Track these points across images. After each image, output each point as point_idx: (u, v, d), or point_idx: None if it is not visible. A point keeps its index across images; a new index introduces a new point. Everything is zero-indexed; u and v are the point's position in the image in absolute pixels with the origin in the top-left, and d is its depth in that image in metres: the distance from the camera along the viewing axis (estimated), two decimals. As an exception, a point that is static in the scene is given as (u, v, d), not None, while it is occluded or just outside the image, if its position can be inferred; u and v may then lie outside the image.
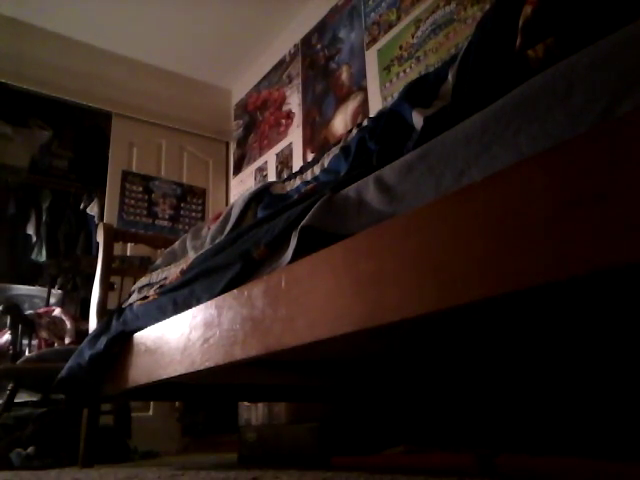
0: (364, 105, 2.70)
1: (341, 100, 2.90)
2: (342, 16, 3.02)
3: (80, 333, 2.59)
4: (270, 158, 3.48)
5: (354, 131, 1.25)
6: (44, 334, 2.63)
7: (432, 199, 0.67)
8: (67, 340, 2.63)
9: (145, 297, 1.40)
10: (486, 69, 0.77)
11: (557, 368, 1.33)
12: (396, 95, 1.06)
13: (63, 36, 3.42)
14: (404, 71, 2.46)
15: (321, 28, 3.20)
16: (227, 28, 3.45)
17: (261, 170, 3.56)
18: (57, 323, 2.69)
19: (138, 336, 1.31)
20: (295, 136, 3.26)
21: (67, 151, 4.02)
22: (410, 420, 1.75)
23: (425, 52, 2.36)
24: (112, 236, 2.07)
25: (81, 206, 3.87)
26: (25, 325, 2.52)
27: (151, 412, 3.07)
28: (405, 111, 0.94)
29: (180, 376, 1.09)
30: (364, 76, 2.74)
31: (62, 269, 3.19)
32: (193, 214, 3.71)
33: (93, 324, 1.87)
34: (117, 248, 2.29)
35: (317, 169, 1.26)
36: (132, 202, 3.47)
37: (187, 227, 3.51)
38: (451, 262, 0.58)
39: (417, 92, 0.96)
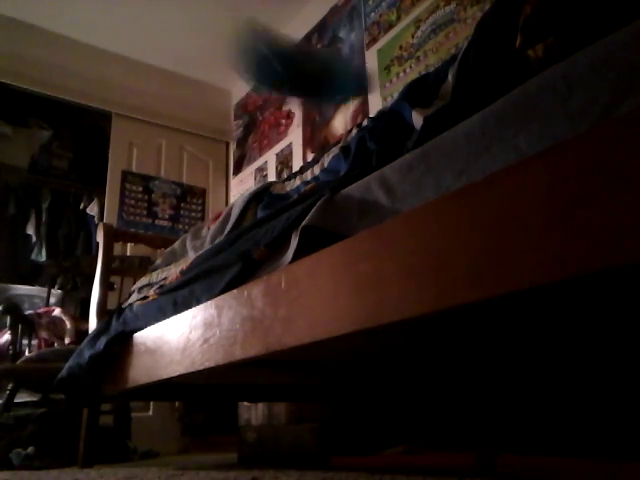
0: (364, 105, 2.70)
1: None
2: (342, 16, 3.02)
3: (80, 333, 2.59)
4: (270, 158, 3.48)
5: (354, 131, 1.25)
6: (44, 334, 2.64)
7: (432, 199, 0.67)
8: (67, 340, 2.63)
9: (145, 297, 1.40)
10: (486, 69, 0.77)
11: (557, 368, 1.33)
12: (396, 95, 1.06)
13: (63, 36, 3.42)
14: (404, 71, 2.46)
15: (321, 28, 3.20)
16: (227, 28, 3.44)
17: (261, 170, 3.56)
18: (57, 323, 2.69)
19: (138, 336, 1.31)
20: (295, 136, 3.26)
21: (67, 151, 4.02)
22: (410, 420, 1.75)
23: (425, 52, 2.36)
24: (112, 236, 2.07)
25: (81, 206, 3.87)
26: (25, 325, 2.52)
27: (151, 412, 3.06)
28: (405, 111, 0.94)
29: (180, 376, 1.09)
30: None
31: (62, 269, 3.20)
32: (193, 214, 3.71)
33: (93, 324, 1.87)
34: (117, 248, 2.29)
35: (317, 169, 1.25)
36: (132, 202, 3.47)
37: (187, 227, 3.51)
38: (450, 262, 0.58)
39: (417, 92, 0.96)
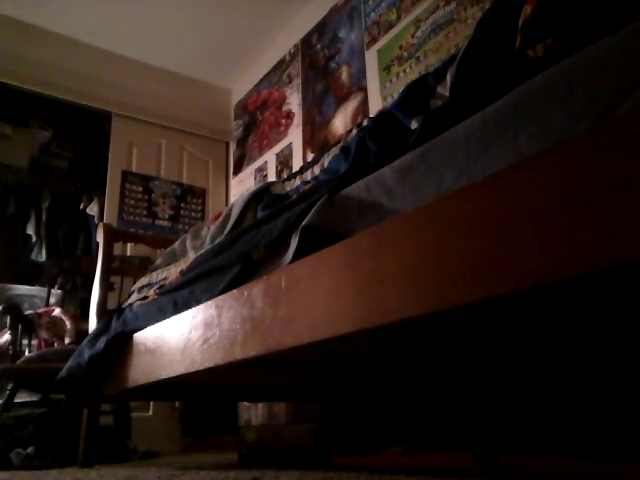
0: (364, 105, 2.70)
1: (341, 100, 2.90)
2: (342, 16, 3.02)
3: (80, 333, 2.59)
4: (270, 158, 3.48)
5: (354, 131, 1.25)
6: (44, 334, 2.64)
7: (432, 199, 0.67)
8: (67, 340, 2.63)
9: (145, 297, 1.40)
10: (485, 69, 0.76)
11: (557, 368, 1.33)
12: (396, 95, 1.06)
13: (63, 36, 3.42)
14: (404, 71, 2.46)
15: (321, 28, 3.20)
16: (227, 28, 3.45)
17: (261, 170, 3.56)
18: (57, 323, 2.69)
19: (138, 336, 1.31)
20: (295, 136, 3.26)
21: (67, 151, 4.02)
22: (410, 420, 1.75)
23: (425, 52, 2.36)
24: (112, 236, 2.07)
25: (81, 206, 3.87)
26: (25, 325, 2.52)
27: (151, 412, 3.07)
28: (404, 119, 0.94)
29: (180, 376, 1.09)
30: (364, 76, 2.74)
31: (62, 269, 3.20)
32: (193, 214, 3.71)
33: (93, 324, 1.87)
34: (117, 248, 2.29)
35: (317, 169, 1.25)
36: (132, 202, 3.47)
37: (187, 227, 3.51)
38: (451, 262, 0.58)
39: (413, 99, 0.96)
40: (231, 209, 1.33)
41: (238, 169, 3.86)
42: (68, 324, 2.69)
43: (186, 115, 3.78)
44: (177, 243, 1.57)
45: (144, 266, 2.22)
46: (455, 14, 2.24)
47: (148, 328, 1.27)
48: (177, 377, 1.10)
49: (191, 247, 1.45)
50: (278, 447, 1.76)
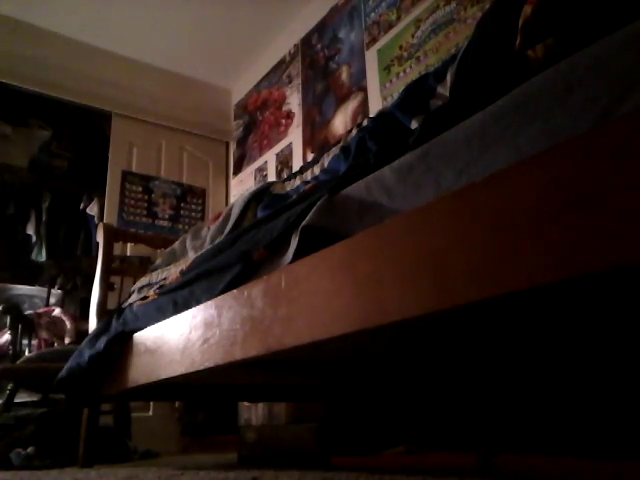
0: (364, 105, 2.70)
1: (341, 100, 2.90)
2: (342, 16, 3.02)
3: (80, 333, 2.59)
4: (270, 158, 3.48)
5: (354, 131, 1.25)
6: (44, 334, 2.64)
7: (432, 199, 0.67)
8: (67, 340, 2.64)
9: (145, 297, 1.40)
10: (485, 69, 0.77)
11: (556, 368, 1.33)
12: (396, 95, 1.06)
13: (63, 36, 3.42)
14: (404, 71, 2.46)
15: (321, 28, 3.20)
16: (227, 28, 3.45)
17: (261, 170, 3.56)
18: (57, 323, 2.69)
19: (138, 336, 1.31)
20: (295, 136, 3.26)
21: (67, 151, 4.02)
22: (410, 420, 1.75)
23: (425, 52, 2.36)
24: (112, 236, 2.07)
25: (81, 206, 3.87)
26: (25, 325, 2.52)
27: (151, 412, 3.07)
28: (404, 119, 0.94)
29: (180, 376, 1.09)
30: (364, 76, 2.74)
31: (62, 269, 3.20)
32: (193, 214, 3.71)
33: (93, 324, 1.87)
34: (117, 248, 2.29)
35: (317, 169, 1.25)
36: (132, 202, 3.47)
37: (187, 227, 3.51)
38: (450, 262, 0.58)
39: (413, 99, 0.96)
40: (231, 209, 1.33)
41: (238, 169, 3.86)
42: (68, 324, 2.69)
43: (186, 115, 3.78)
44: (177, 243, 1.57)
45: (144, 266, 2.21)
46: (455, 14, 2.24)
47: (148, 328, 1.27)
48: (177, 377, 1.10)
49: (191, 247, 1.45)
50: (278, 447, 1.76)
